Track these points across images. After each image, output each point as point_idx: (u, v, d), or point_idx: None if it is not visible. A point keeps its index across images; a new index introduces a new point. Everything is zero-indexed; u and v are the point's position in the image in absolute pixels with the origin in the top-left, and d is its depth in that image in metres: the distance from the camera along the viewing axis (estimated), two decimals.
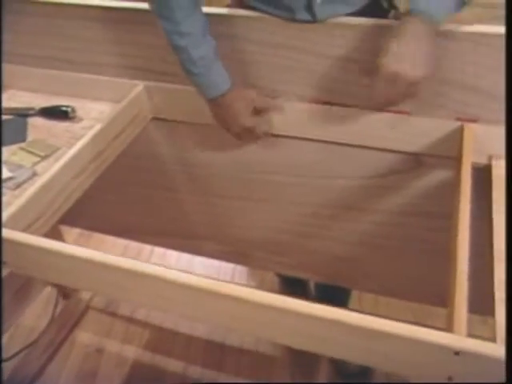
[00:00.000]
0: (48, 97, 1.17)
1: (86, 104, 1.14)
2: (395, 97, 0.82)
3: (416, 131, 0.97)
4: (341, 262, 1.26)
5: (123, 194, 1.34)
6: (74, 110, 1.10)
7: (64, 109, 1.10)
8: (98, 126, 0.97)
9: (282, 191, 1.19)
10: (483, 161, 0.95)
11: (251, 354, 1.53)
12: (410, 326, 0.59)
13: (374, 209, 1.13)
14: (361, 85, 0.92)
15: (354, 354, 0.65)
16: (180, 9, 0.90)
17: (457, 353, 0.57)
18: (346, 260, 1.25)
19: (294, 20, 0.93)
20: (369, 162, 1.06)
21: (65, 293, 1.67)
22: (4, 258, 0.77)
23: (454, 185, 0.90)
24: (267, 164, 1.15)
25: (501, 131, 0.92)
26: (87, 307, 1.68)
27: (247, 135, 1.04)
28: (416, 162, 1.02)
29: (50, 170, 0.88)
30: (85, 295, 1.70)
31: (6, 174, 0.93)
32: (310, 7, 0.90)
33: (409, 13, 0.79)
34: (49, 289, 1.64)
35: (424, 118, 0.95)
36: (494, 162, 0.94)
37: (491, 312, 0.67)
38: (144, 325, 1.63)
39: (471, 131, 0.92)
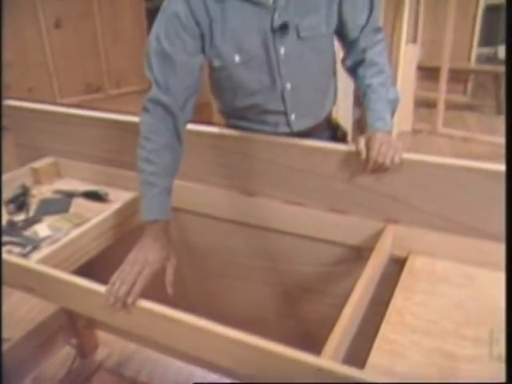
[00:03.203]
0: (91, 184, 1.56)
1: (118, 192, 1.51)
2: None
3: (353, 228, 1.25)
4: (305, 341, 1.48)
5: None
6: (106, 194, 1.48)
7: (99, 193, 1.47)
8: (115, 206, 1.33)
9: (260, 273, 1.46)
10: (404, 254, 1.20)
11: None
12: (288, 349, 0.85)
13: (328, 292, 1.38)
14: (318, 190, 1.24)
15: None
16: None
17: (319, 369, 0.82)
18: (309, 339, 1.47)
19: (277, 133, 1.28)
20: (322, 252, 1.33)
21: (82, 353, 1.94)
22: (33, 286, 1.09)
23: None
24: (249, 249, 1.45)
25: (417, 232, 1.18)
26: (99, 366, 1.93)
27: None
28: (357, 254, 1.29)
29: (74, 232, 1.23)
30: (99, 356, 1.96)
31: (48, 232, 1.29)
32: (288, 123, 1.27)
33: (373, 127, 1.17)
34: (68, 348, 1.91)
35: (359, 218, 1.24)
36: (410, 256, 1.19)
37: None
38: None
39: (390, 230, 1.19)
